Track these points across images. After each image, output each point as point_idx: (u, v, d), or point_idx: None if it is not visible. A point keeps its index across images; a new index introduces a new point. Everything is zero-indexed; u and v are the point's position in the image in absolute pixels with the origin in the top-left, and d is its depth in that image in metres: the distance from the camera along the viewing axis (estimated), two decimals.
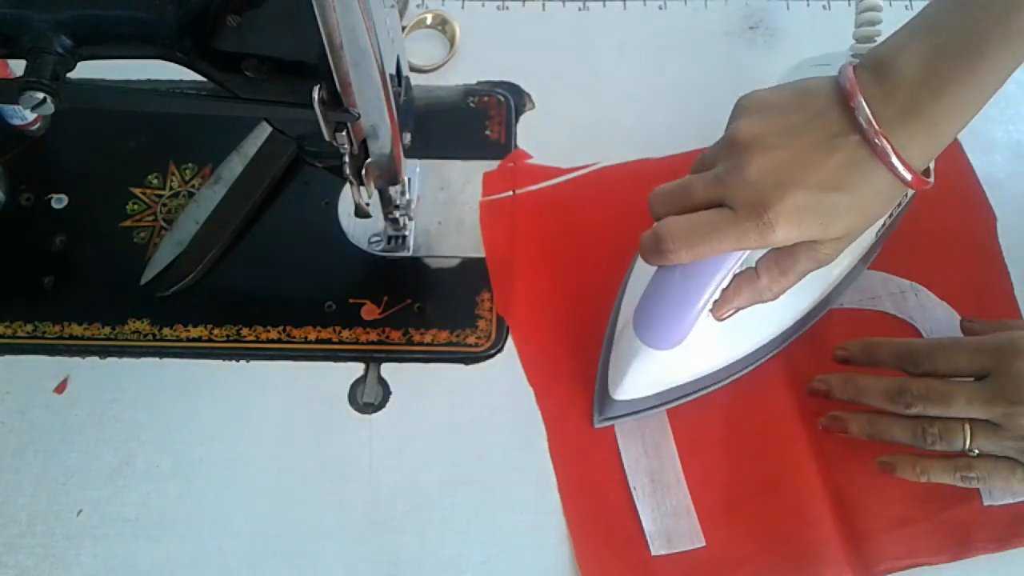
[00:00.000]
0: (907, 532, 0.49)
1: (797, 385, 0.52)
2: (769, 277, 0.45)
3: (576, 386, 0.53)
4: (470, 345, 0.54)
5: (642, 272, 0.53)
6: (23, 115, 0.59)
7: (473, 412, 0.53)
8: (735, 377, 0.52)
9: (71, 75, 0.40)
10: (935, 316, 0.55)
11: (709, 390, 0.51)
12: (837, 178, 0.41)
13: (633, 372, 0.47)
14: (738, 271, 0.45)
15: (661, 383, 0.49)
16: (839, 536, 0.49)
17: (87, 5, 0.40)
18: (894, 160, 0.40)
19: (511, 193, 0.59)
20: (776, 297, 0.46)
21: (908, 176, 0.40)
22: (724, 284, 0.44)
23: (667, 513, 0.50)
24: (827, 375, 0.50)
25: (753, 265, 0.45)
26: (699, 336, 0.46)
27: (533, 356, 0.54)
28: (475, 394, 0.53)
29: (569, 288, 0.56)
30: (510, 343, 0.54)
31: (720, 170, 0.42)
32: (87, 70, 0.41)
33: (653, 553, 0.49)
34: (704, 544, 0.49)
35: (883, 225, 0.52)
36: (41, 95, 0.38)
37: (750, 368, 0.52)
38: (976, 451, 0.45)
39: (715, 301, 0.45)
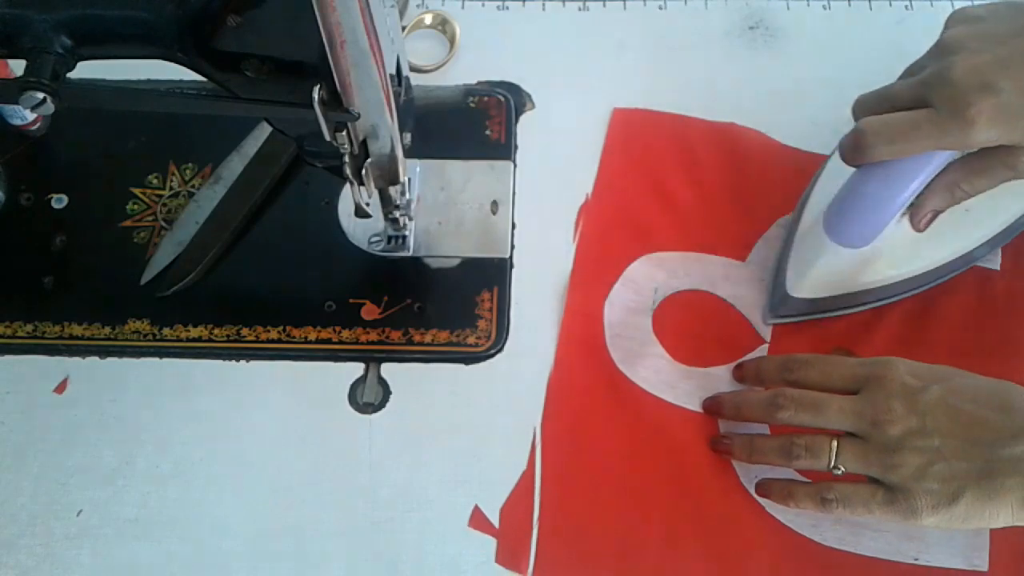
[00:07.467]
0: None
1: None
2: (963, 174, 0.45)
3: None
4: (470, 345, 0.54)
5: (831, 178, 0.52)
6: (23, 115, 0.59)
7: (473, 412, 0.53)
8: (909, 294, 0.52)
9: (71, 75, 0.40)
10: None
11: (882, 303, 0.51)
12: None
13: (817, 269, 0.48)
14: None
15: (842, 284, 0.49)
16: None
17: (87, 5, 0.39)
18: None
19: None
20: (969, 196, 0.46)
21: None
22: (921, 188, 0.45)
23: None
24: (721, 395, 0.51)
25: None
26: (886, 240, 0.46)
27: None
28: (475, 394, 0.53)
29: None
30: (510, 343, 0.54)
31: (925, 74, 0.44)
32: (87, 70, 0.41)
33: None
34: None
35: None
36: (41, 95, 0.38)
37: (925, 287, 0.52)
38: (841, 469, 0.45)
39: (911, 206, 0.46)
